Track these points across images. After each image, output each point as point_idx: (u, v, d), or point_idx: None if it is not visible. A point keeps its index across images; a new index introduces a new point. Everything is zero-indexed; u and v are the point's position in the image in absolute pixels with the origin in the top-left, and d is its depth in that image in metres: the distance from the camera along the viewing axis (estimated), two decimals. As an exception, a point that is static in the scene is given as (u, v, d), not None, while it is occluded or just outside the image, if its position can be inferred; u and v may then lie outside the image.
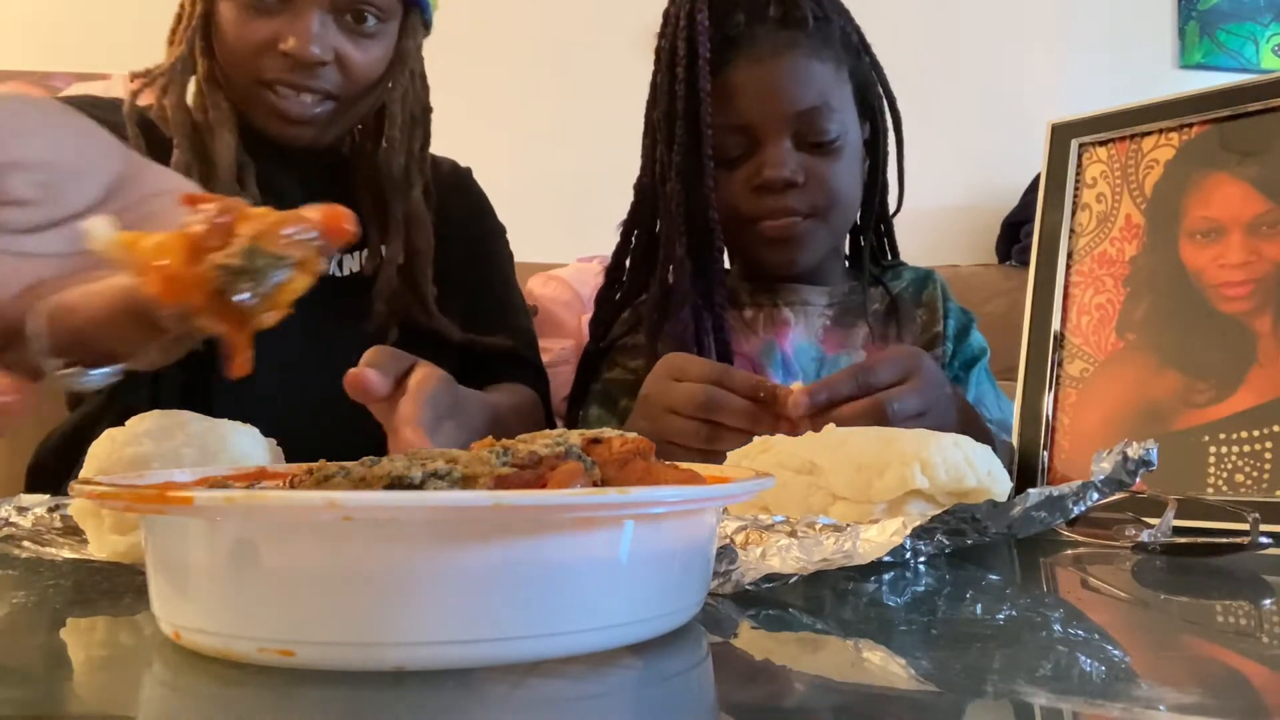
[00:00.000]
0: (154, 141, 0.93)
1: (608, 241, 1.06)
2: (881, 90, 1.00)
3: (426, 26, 1.01)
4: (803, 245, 0.95)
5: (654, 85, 0.98)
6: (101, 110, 0.94)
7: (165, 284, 0.33)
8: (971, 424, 0.77)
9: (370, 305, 0.97)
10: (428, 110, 1.02)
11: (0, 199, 0.37)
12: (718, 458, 0.74)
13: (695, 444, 0.73)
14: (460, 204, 1.10)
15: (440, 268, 1.02)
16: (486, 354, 1.03)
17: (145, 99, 0.97)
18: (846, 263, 1.07)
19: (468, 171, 1.15)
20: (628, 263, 1.02)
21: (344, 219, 0.37)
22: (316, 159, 0.99)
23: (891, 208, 1.06)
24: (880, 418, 0.69)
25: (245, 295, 0.33)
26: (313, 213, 0.37)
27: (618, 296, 1.03)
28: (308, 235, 0.35)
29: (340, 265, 1.00)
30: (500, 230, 1.16)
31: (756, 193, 0.93)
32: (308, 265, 0.35)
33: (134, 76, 0.98)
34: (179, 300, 0.34)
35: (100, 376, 0.39)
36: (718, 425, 0.73)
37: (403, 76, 0.98)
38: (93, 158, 0.41)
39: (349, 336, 0.88)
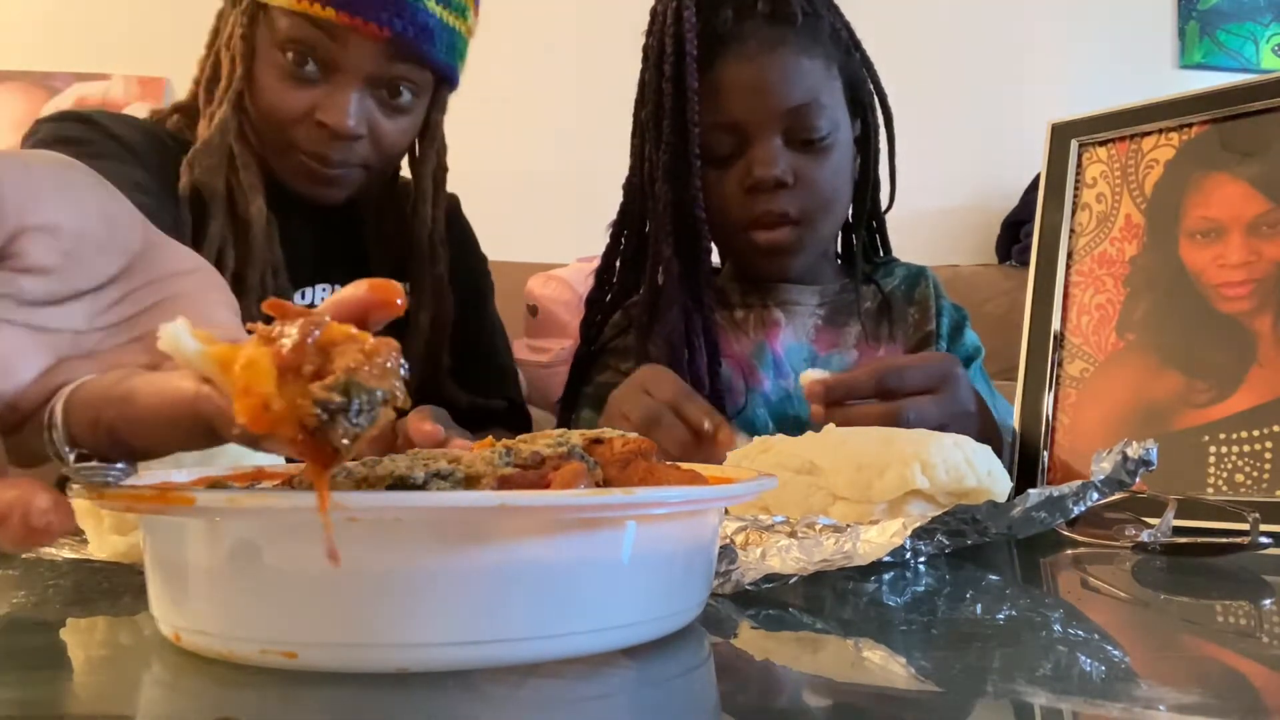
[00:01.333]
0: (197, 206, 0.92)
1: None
2: (872, 87, 1.00)
3: (452, 92, 1.01)
4: (793, 253, 0.95)
5: (641, 84, 0.97)
6: (170, 147, 0.94)
7: (258, 414, 0.29)
8: (992, 441, 0.77)
9: None
10: (444, 172, 1.02)
11: (22, 265, 0.34)
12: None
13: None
14: (454, 242, 1.09)
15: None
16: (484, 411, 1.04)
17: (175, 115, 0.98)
18: (838, 260, 1.07)
19: (457, 203, 1.14)
20: (617, 264, 1.02)
21: (394, 293, 0.35)
22: (329, 211, 0.98)
23: (883, 205, 1.05)
24: (890, 425, 0.69)
25: (344, 440, 0.29)
26: (361, 288, 0.35)
27: (608, 298, 1.02)
28: (400, 364, 0.31)
29: None
30: (485, 262, 1.16)
31: (748, 194, 0.92)
32: (395, 400, 0.31)
33: (154, 113, 0.98)
34: (268, 430, 0.30)
35: (120, 474, 0.35)
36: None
37: (431, 150, 0.99)
38: (116, 230, 0.38)
39: None
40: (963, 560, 0.52)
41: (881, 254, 1.07)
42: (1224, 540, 0.52)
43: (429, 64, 0.92)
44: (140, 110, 0.96)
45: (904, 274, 1.05)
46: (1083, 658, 0.34)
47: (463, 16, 0.94)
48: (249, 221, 0.91)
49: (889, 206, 1.05)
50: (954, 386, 0.73)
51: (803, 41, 0.92)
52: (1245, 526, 0.51)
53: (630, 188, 1.00)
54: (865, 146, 1.01)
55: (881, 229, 1.06)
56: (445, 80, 0.96)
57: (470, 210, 1.15)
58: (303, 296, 0.98)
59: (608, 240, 1.02)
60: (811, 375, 0.73)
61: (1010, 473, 0.70)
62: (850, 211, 1.02)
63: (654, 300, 0.95)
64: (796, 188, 0.92)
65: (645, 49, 0.97)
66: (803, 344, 0.98)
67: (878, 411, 0.70)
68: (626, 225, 1.00)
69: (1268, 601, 0.45)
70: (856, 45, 0.99)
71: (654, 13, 0.97)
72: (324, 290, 0.99)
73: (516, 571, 0.31)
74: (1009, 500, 0.51)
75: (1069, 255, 0.76)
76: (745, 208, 0.93)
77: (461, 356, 1.05)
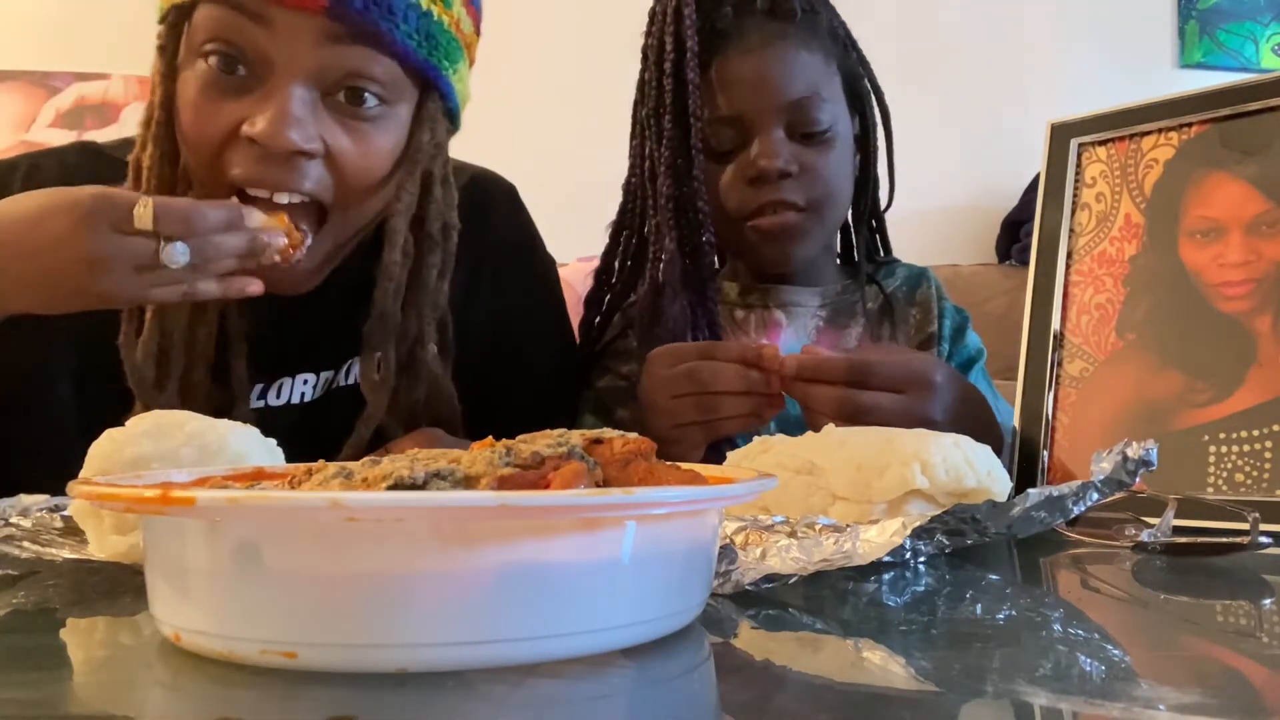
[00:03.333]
0: None
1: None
2: (869, 84, 1.00)
3: (452, 119, 0.80)
4: (797, 240, 0.95)
5: (641, 83, 0.98)
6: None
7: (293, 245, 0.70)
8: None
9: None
10: (450, 229, 0.80)
11: None
12: (722, 439, 0.76)
13: (694, 416, 0.75)
14: (516, 250, 0.95)
15: (479, 338, 0.86)
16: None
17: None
18: (838, 260, 1.07)
19: (514, 193, 0.97)
20: (616, 264, 1.01)
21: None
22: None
23: (883, 203, 1.05)
24: (842, 410, 0.71)
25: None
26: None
27: (607, 299, 1.02)
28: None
29: (347, 373, 0.85)
30: (551, 272, 1.00)
31: (751, 185, 0.92)
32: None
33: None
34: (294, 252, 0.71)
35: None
36: (714, 395, 0.75)
37: (411, 180, 0.76)
38: None
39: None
40: (963, 560, 0.52)
41: (882, 254, 1.07)
42: (1224, 540, 0.51)
43: (392, 50, 0.71)
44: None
45: (905, 274, 1.05)
46: (1083, 658, 0.34)
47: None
48: (192, 337, 0.75)
49: (888, 205, 1.05)
50: (924, 391, 0.72)
51: (802, 36, 0.93)
52: (1245, 526, 0.51)
53: (630, 188, 1.00)
54: (864, 144, 1.01)
55: (881, 228, 1.07)
56: (430, 85, 0.76)
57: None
58: (276, 395, 0.82)
59: (607, 240, 1.02)
60: (813, 350, 0.75)
61: (1010, 473, 0.70)
62: (850, 209, 1.03)
63: (655, 298, 0.95)
64: (800, 177, 0.92)
65: (645, 49, 0.97)
66: (805, 344, 0.98)
67: (833, 395, 0.72)
68: (626, 226, 1.00)
69: (1268, 601, 0.45)
70: (853, 43, 1.00)
71: (653, 13, 0.97)
72: (305, 381, 0.83)
73: (516, 571, 0.31)
74: (1009, 500, 0.51)
75: (1069, 255, 0.76)
76: (748, 199, 0.93)
77: (508, 382, 0.90)
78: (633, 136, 0.99)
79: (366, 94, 0.71)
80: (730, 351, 0.76)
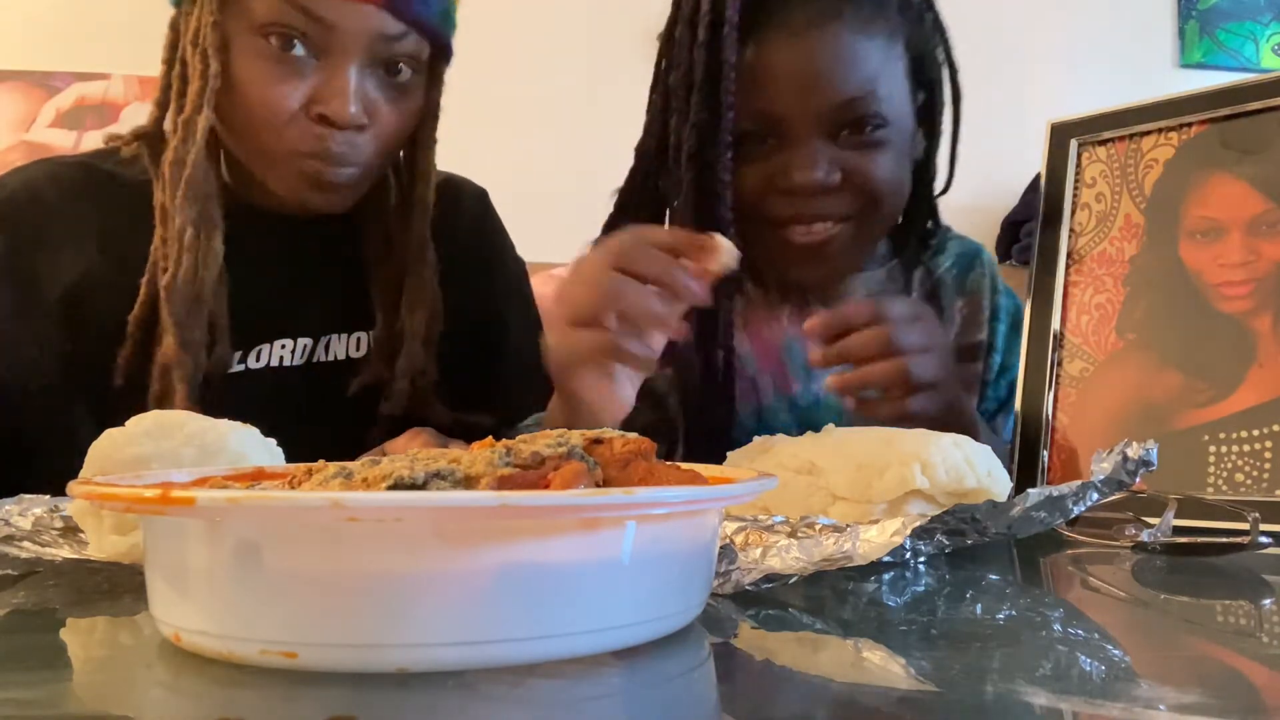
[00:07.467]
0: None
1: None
2: (944, 57, 0.85)
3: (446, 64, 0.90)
4: (838, 257, 0.82)
5: (669, 36, 0.81)
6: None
7: None
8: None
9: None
10: (432, 172, 0.90)
11: None
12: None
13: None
14: (490, 237, 1.01)
15: (452, 323, 0.91)
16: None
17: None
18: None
19: (485, 195, 1.03)
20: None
21: None
22: (306, 226, 0.86)
23: (939, 187, 0.89)
24: (901, 378, 0.69)
25: None
26: None
27: None
28: None
29: (327, 349, 0.89)
30: (520, 269, 1.05)
31: (783, 195, 0.79)
32: None
33: (110, 140, 0.85)
34: None
35: None
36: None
37: (433, 134, 0.87)
38: None
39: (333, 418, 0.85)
40: (963, 560, 0.52)
41: (934, 231, 0.92)
42: (1224, 540, 0.51)
43: (425, 30, 0.80)
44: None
45: (958, 252, 0.92)
46: (1083, 658, 0.34)
47: None
48: (201, 271, 0.79)
49: (945, 189, 0.90)
50: (935, 352, 0.72)
51: (862, 15, 0.77)
52: (1245, 526, 0.51)
53: (645, 152, 0.85)
54: (929, 121, 0.86)
55: (934, 210, 0.91)
56: (442, 51, 0.84)
57: (470, 210, 1.14)
58: (256, 359, 0.86)
59: (612, 210, 0.89)
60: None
61: (1010, 473, 0.70)
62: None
63: None
64: (844, 187, 0.78)
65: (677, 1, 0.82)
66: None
67: (886, 368, 0.69)
68: (635, 197, 0.87)
69: (1268, 601, 0.45)
70: (929, 5, 0.84)
71: None
72: (284, 346, 0.87)
73: (516, 571, 0.31)
74: (1009, 500, 0.51)
75: (1069, 255, 0.76)
76: (780, 208, 0.79)
77: (484, 363, 0.95)
78: (653, 91, 0.85)
79: (403, 67, 0.81)
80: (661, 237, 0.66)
